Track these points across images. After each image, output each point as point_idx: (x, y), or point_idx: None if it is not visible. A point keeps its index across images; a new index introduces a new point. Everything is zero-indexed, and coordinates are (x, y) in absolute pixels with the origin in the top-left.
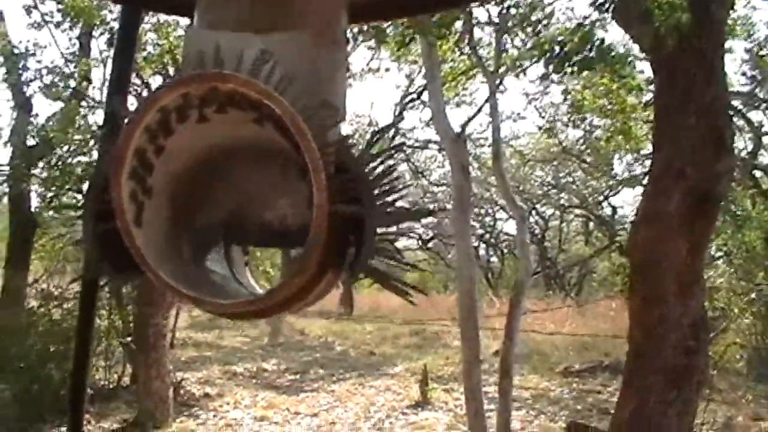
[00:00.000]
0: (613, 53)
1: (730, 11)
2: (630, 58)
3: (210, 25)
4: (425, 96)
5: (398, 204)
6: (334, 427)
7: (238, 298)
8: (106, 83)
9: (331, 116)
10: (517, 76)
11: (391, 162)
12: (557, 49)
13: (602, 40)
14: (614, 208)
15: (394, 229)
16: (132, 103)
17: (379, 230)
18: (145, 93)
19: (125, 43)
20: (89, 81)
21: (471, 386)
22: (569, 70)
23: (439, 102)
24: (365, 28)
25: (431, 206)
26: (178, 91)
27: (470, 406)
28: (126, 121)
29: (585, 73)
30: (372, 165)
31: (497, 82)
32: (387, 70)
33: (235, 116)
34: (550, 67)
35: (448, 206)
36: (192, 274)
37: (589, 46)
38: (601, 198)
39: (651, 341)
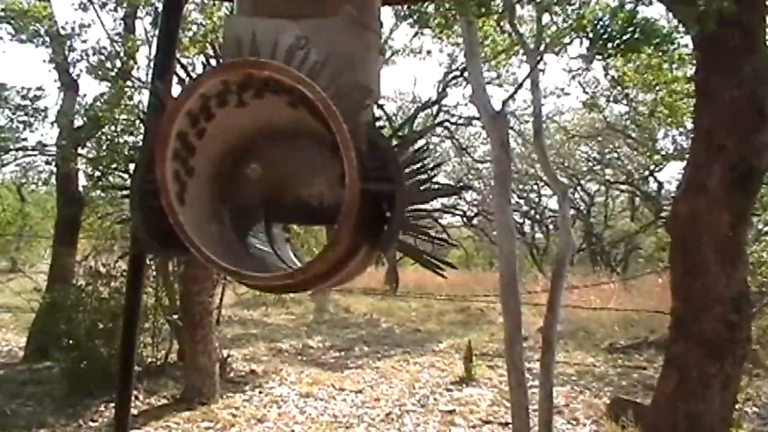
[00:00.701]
0: (657, 33)
1: None
2: (674, 36)
3: (249, 11)
4: (467, 73)
5: (434, 181)
6: (378, 403)
7: (274, 271)
8: (152, 63)
9: (363, 98)
10: (557, 53)
11: (423, 141)
12: (600, 30)
13: (646, 20)
14: (660, 183)
15: (428, 206)
16: (175, 87)
17: (413, 207)
18: (187, 79)
19: (169, 26)
20: (135, 61)
21: (513, 360)
22: (613, 52)
23: (479, 79)
24: (406, 8)
25: (472, 183)
26: (217, 78)
27: (512, 378)
28: (169, 105)
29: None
30: (405, 143)
31: (538, 59)
32: (429, 52)
33: (270, 100)
34: (593, 49)
35: (492, 182)
36: (234, 250)
37: (632, 28)
38: (646, 173)
39: (692, 314)
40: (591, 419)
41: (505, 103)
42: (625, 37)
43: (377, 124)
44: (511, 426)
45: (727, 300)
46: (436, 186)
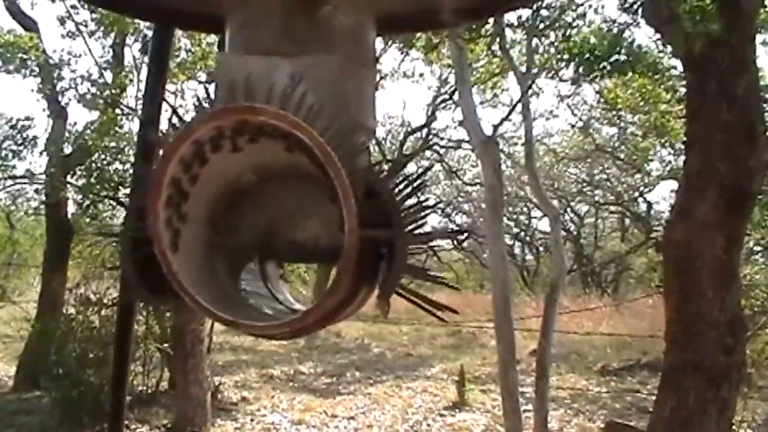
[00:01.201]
0: (645, 54)
1: (762, 3)
2: (661, 58)
3: (240, 49)
4: (457, 96)
5: (431, 211)
6: (371, 430)
7: (273, 320)
8: (141, 91)
9: (362, 141)
10: (552, 77)
11: (418, 181)
12: (587, 53)
13: (632, 43)
14: (650, 204)
15: (424, 247)
16: (165, 122)
17: (409, 249)
18: (177, 123)
19: (158, 55)
20: (124, 89)
21: (507, 386)
22: (599, 74)
23: (470, 104)
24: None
25: (462, 206)
26: (211, 124)
27: (507, 406)
28: (161, 152)
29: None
30: (400, 183)
31: (529, 82)
32: (421, 75)
33: (266, 145)
34: (581, 70)
35: (482, 205)
36: (228, 296)
37: (618, 49)
38: (636, 194)
39: (688, 339)
40: None
41: (496, 128)
42: (612, 59)
43: (375, 167)
44: None
45: (722, 324)
46: (434, 230)
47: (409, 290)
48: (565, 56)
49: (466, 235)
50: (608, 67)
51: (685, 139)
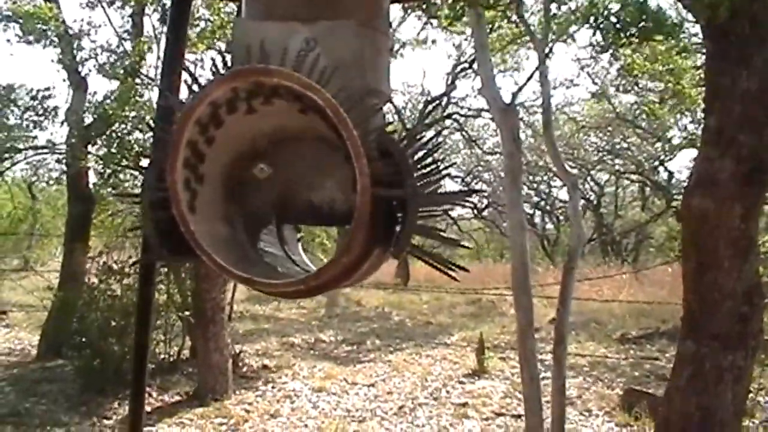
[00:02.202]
0: (667, 22)
1: None
2: (684, 26)
3: (258, 15)
4: (476, 64)
5: (445, 174)
6: (391, 396)
7: (288, 278)
8: (160, 60)
9: (375, 103)
10: (565, 41)
11: (432, 144)
12: (613, 19)
13: (657, 9)
14: (670, 173)
15: (438, 208)
16: (184, 91)
17: (423, 209)
18: (195, 87)
19: (177, 23)
20: (144, 59)
21: (525, 354)
22: (626, 41)
23: (489, 71)
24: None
25: (482, 175)
26: (226, 85)
27: (525, 373)
28: (179, 114)
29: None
30: (415, 147)
31: (546, 50)
32: (434, 42)
33: (280, 107)
34: (606, 38)
35: (502, 174)
36: (245, 256)
37: (644, 16)
38: (656, 163)
39: (705, 308)
40: (604, 410)
41: (515, 96)
42: (637, 26)
43: (388, 127)
44: (523, 419)
45: (739, 293)
46: (446, 188)
47: (422, 250)
48: (588, 23)
49: (480, 198)
50: (636, 35)
51: (702, 106)
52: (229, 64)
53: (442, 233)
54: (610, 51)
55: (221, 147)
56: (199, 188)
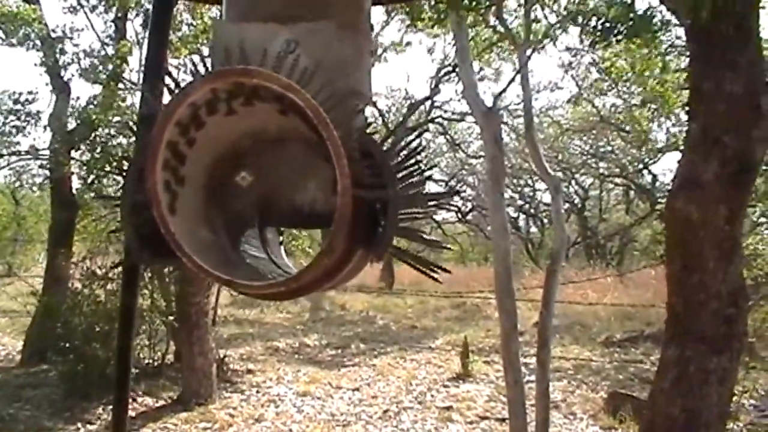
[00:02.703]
0: (653, 22)
1: None
2: (668, 26)
3: (238, 17)
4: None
5: (427, 177)
6: (375, 400)
7: (268, 280)
8: (143, 65)
9: (356, 104)
10: (544, 46)
11: (414, 144)
12: (595, 20)
13: (646, 10)
14: (654, 176)
15: (420, 210)
16: (166, 94)
17: (405, 212)
18: (175, 89)
19: (159, 28)
20: (126, 63)
21: (509, 357)
22: (612, 40)
23: (470, 75)
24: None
25: (466, 178)
26: (206, 86)
27: (509, 376)
28: (158, 116)
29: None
30: (397, 148)
31: (527, 53)
32: (420, 42)
33: (260, 108)
34: (592, 37)
35: (486, 177)
36: (226, 258)
37: (630, 17)
38: (640, 166)
39: (689, 310)
40: (588, 414)
41: (496, 99)
42: (624, 25)
43: (369, 129)
44: (508, 422)
45: (724, 295)
46: (429, 191)
47: (405, 252)
48: (574, 21)
49: (464, 202)
50: (621, 35)
51: (686, 109)
52: (210, 66)
53: (424, 235)
54: (594, 50)
55: (202, 149)
56: (179, 190)
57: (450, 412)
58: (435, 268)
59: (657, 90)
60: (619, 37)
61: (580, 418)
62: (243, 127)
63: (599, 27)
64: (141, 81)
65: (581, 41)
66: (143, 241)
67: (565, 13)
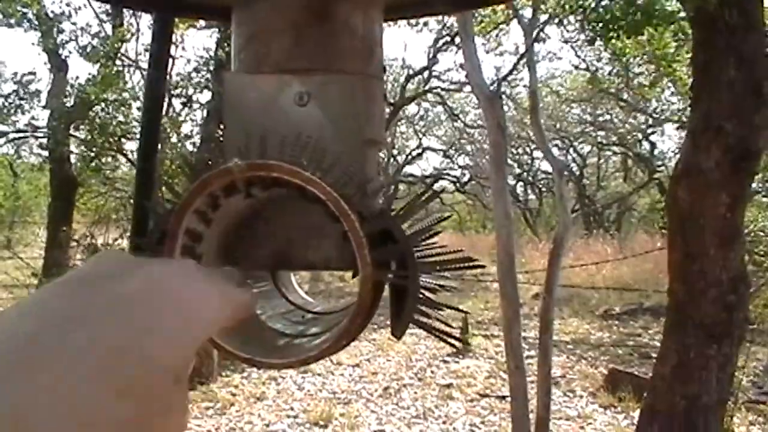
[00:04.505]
0: (658, 13)
1: None
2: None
3: (249, 68)
4: (458, 39)
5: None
6: (376, 377)
7: (287, 357)
8: (141, 45)
9: (378, 185)
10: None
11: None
12: (603, 13)
13: (647, 3)
14: (653, 144)
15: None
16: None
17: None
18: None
19: (159, 48)
20: (124, 41)
21: (511, 344)
22: (614, 34)
23: (474, 60)
24: None
25: (464, 146)
26: (224, 178)
27: (511, 363)
28: (177, 206)
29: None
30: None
31: (534, 33)
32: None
33: (279, 192)
34: (594, 31)
35: (485, 146)
36: (244, 326)
37: (634, 10)
38: (639, 135)
39: (691, 296)
40: (588, 391)
41: (499, 83)
42: (626, 19)
43: (390, 211)
44: (508, 401)
45: (725, 281)
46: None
47: (422, 322)
48: (578, 17)
49: (462, 171)
50: (624, 27)
51: (690, 97)
52: (222, 118)
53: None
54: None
55: (218, 224)
56: None
57: (450, 389)
58: (454, 337)
59: (668, 70)
60: (621, 31)
61: (579, 395)
62: (260, 201)
63: (601, 20)
64: (140, 60)
65: (586, 34)
66: None
67: (567, 6)
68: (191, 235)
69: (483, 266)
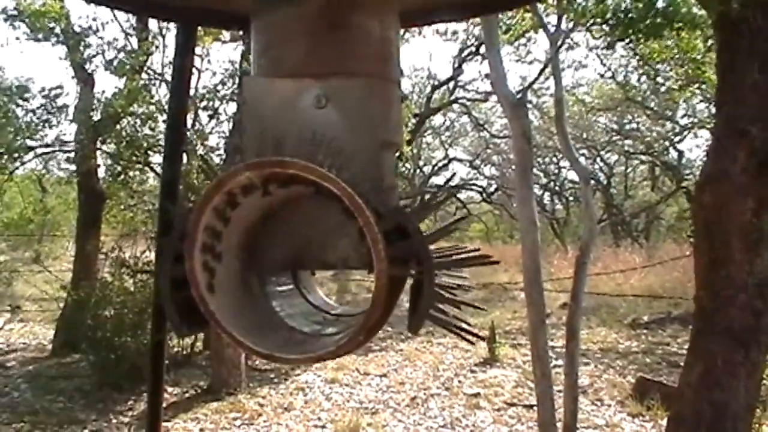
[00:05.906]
0: (678, 17)
1: None
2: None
3: (268, 72)
4: (483, 49)
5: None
6: (403, 387)
7: (306, 353)
8: (167, 57)
9: (392, 185)
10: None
11: (449, 225)
12: (622, 16)
13: (666, 6)
14: (680, 153)
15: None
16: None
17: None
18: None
19: (182, 58)
20: (150, 55)
21: (537, 351)
22: (634, 37)
23: (499, 68)
24: None
25: (491, 157)
26: (242, 176)
27: (537, 370)
28: (196, 204)
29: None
30: (424, 211)
31: (559, 42)
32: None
33: (296, 189)
34: (614, 35)
35: (511, 156)
36: (265, 322)
37: (654, 12)
38: (666, 143)
39: (717, 303)
40: (615, 400)
41: (525, 92)
42: (647, 22)
43: (404, 207)
44: (535, 410)
45: (752, 287)
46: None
47: (438, 318)
48: (598, 19)
49: (488, 182)
50: (644, 30)
51: (714, 102)
52: (241, 122)
53: (464, 304)
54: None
55: (237, 222)
56: (216, 266)
57: (478, 398)
58: (470, 333)
59: (696, 72)
60: (641, 35)
61: (607, 404)
62: (278, 199)
63: (621, 24)
64: (166, 74)
65: (608, 35)
66: (182, 315)
67: (588, 12)
68: (210, 232)
69: (497, 262)
